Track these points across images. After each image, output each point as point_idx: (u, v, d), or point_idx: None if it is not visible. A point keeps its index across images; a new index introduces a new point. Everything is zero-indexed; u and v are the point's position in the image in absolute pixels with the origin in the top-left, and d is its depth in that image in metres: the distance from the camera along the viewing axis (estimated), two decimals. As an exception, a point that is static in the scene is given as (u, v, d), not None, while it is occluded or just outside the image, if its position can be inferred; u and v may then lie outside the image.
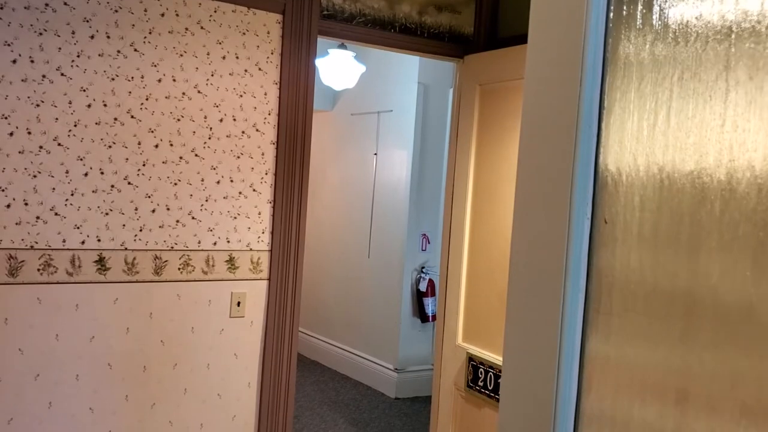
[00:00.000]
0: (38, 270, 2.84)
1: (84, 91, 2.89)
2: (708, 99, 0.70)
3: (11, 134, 2.75)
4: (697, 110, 0.72)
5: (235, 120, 3.22)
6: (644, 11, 0.78)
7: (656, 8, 0.77)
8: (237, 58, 3.20)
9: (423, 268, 6.08)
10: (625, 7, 0.81)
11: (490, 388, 3.46)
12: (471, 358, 3.58)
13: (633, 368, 0.86)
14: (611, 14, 0.83)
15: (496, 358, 3.45)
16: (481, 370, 3.52)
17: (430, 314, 5.97)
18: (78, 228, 2.91)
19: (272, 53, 3.28)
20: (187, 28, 3.08)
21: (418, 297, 6.05)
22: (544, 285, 0.97)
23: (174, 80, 3.07)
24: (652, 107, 0.77)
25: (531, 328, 1.02)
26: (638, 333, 0.85)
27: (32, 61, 2.78)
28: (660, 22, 0.77)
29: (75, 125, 2.87)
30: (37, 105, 2.80)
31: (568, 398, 0.97)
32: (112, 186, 2.97)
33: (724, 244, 0.69)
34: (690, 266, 0.75)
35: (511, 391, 1.08)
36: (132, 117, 2.99)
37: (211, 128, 3.17)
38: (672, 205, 0.74)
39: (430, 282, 5.98)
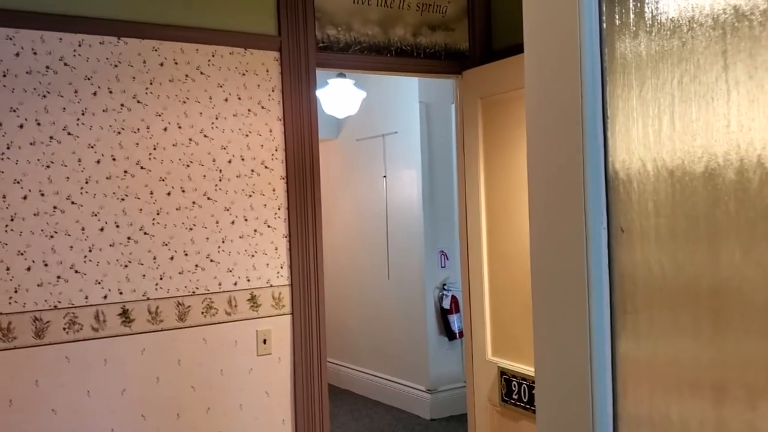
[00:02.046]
0: (64, 329, 2.86)
1: (92, 147, 2.92)
2: (710, 101, 0.70)
3: (25, 198, 2.79)
4: (701, 113, 0.72)
5: (243, 160, 3.25)
6: (636, 19, 0.79)
7: (648, 15, 0.78)
8: (239, 99, 3.23)
9: (444, 285, 6.06)
10: (617, 17, 0.82)
11: (525, 400, 3.43)
12: (503, 372, 3.56)
13: (667, 365, 0.86)
14: (604, 25, 0.83)
15: (527, 369, 3.42)
16: (514, 383, 3.49)
17: (457, 331, 5.94)
18: (99, 283, 2.93)
19: (273, 90, 3.31)
20: (187, 75, 3.12)
21: (443, 315, 6.02)
22: (568, 297, 0.96)
23: (179, 127, 3.10)
24: (656, 113, 0.78)
25: (559, 341, 1.02)
26: (666, 333, 0.84)
27: (39, 124, 2.82)
28: (653, 29, 0.77)
29: (86, 182, 2.91)
30: (47, 166, 2.83)
31: (604, 401, 0.97)
32: (129, 238, 2.99)
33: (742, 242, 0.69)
34: (711, 266, 0.74)
35: (547, 402, 1.08)
36: (142, 168, 3.02)
37: (220, 170, 3.19)
38: (686, 208, 0.74)
39: (453, 298, 5.96)
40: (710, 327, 0.78)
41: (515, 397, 3.49)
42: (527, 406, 3.41)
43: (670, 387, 0.86)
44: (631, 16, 0.81)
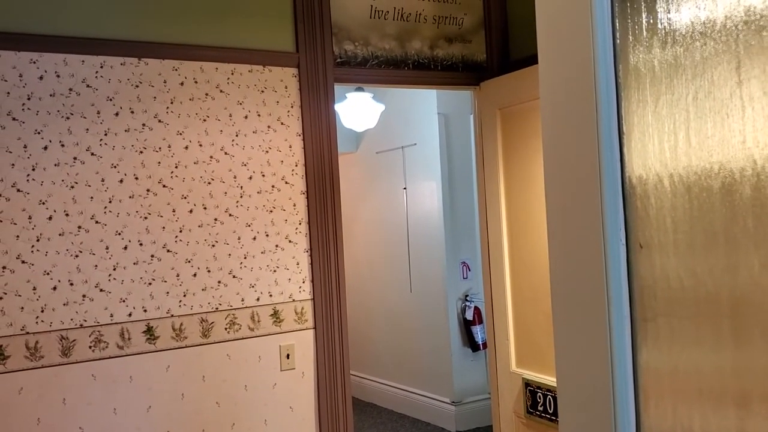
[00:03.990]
0: (90, 347, 2.89)
1: (115, 167, 2.96)
2: (725, 117, 0.70)
3: (50, 218, 2.83)
4: (716, 129, 0.72)
5: (264, 176, 3.27)
6: (650, 36, 0.79)
7: (661, 32, 0.78)
8: (259, 115, 3.26)
9: (467, 296, 6.04)
10: (630, 34, 0.82)
11: (550, 412, 3.40)
12: (527, 384, 3.54)
13: (688, 377, 0.85)
14: (617, 41, 0.84)
15: (552, 380, 3.40)
16: (539, 394, 3.47)
17: (481, 342, 5.92)
18: (124, 301, 2.96)
19: (292, 106, 3.34)
20: (207, 93, 3.15)
21: (466, 326, 6.00)
22: (588, 312, 0.96)
23: (200, 145, 3.13)
24: (671, 129, 0.77)
25: (580, 355, 1.01)
26: (687, 348, 0.84)
27: (62, 145, 2.86)
28: (667, 46, 0.77)
29: (110, 201, 2.94)
30: (72, 187, 2.87)
31: (626, 414, 0.96)
32: (152, 256, 3.02)
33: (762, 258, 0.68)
34: (730, 280, 0.74)
35: (569, 414, 1.08)
36: (164, 186, 3.05)
37: (241, 187, 3.22)
38: (704, 224, 0.74)
39: (476, 309, 5.94)
40: (731, 340, 0.78)
41: (540, 408, 3.46)
42: (553, 418, 3.39)
43: (693, 399, 0.86)
44: (645, 32, 0.81)
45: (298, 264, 3.35)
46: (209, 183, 3.15)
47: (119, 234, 2.96)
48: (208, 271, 3.14)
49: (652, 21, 0.81)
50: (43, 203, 2.82)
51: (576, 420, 1.06)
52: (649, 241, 0.82)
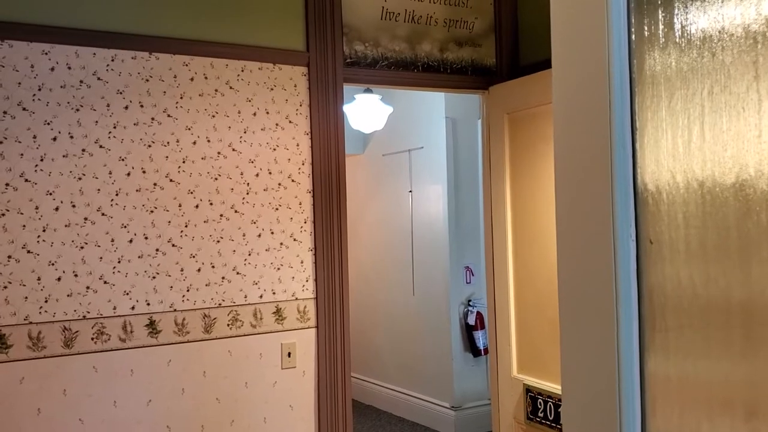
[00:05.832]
0: (92, 339, 2.89)
1: (122, 160, 2.96)
2: (741, 111, 0.70)
3: (57, 209, 2.83)
4: (731, 123, 0.72)
5: (270, 173, 3.27)
6: (666, 30, 0.79)
7: (677, 26, 0.78)
8: (267, 113, 3.26)
9: (470, 301, 6.03)
10: (646, 28, 0.82)
11: (551, 418, 3.39)
12: (528, 390, 3.53)
13: (697, 382, 0.84)
14: (633, 36, 0.83)
15: (553, 387, 3.39)
16: (540, 400, 3.46)
17: (482, 348, 5.90)
18: (127, 294, 2.96)
19: (301, 105, 3.34)
20: (216, 90, 3.16)
21: (468, 331, 5.99)
22: (596, 310, 0.96)
23: (208, 141, 3.14)
24: (685, 123, 0.77)
25: (587, 355, 1.01)
26: (697, 350, 0.83)
27: (71, 137, 2.87)
28: (683, 40, 0.77)
29: (116, 194, 2.95)
30: (79, 178, 2.88)
31: (632, 420, 0.96)
32: (157, 250, 3.03)
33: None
34: (742, 278, 0.74)
35: (574, 419, 1.07)
36: (171, 181, 3.06)
37: (248, 184, 3.22)
38: (717, 219, 0.73)
39: (479, 315, 5.92)
40: (744, 340, 0.77)
41: (541, 414, 3.45)
42: (553, 425, 3.38)
43: (700, 404, 0.85)
44: (661, 27, 0.81)
45: (302, 262, 3.35)
46: (216, 179, 3.15)
47: (125, 227, 2.96)
48: (212, 267, 3.14)
49: (668, 17, 0.81)
50: (50, 194, 2.82)
51: (580, 425, 1.05)
52: (660, 237, 0.82)
